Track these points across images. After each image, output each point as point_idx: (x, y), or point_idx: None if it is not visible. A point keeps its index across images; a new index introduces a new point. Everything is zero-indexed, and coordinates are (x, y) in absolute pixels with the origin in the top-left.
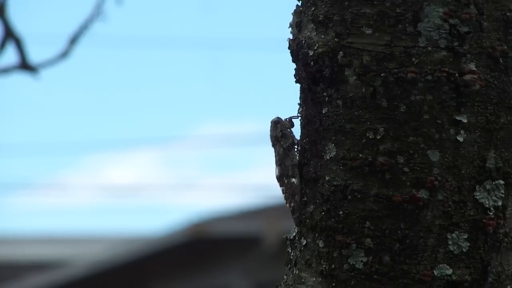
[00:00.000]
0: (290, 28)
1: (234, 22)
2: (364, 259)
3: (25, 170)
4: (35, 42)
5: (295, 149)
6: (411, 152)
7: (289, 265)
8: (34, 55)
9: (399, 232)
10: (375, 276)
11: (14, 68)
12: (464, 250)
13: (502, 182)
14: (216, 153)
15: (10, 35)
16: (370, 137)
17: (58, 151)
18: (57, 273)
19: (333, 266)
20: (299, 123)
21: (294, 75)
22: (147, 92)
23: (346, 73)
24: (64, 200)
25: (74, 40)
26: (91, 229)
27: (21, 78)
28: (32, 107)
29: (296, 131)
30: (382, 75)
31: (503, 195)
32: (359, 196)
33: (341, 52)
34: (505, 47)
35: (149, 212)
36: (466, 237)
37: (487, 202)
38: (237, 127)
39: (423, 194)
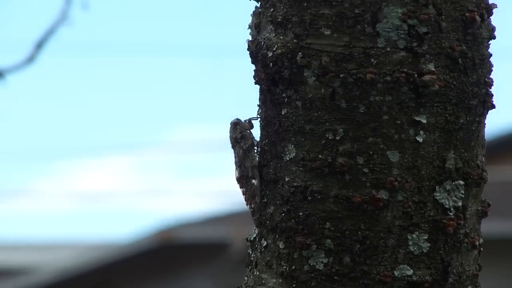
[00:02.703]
0: (249, 30)
1: (203, 27)
2: (325, 260)
3: None
4: (1, 49)
5: (255, 151)
6: (371, 153)
7: (250, 267)
8: (0, 61)
9: (359, 233)
10: (335, 277)
11: None
12: (425, 250)
13: (462, 182)
14: (190, 158)
15: None
16: (330, 138)
17: (27, 158)
18: (24, 279)
19: (293, 267)
20: (259, 124)
21: (253, 76)
22: (119, 98)
23: (305, 74)
24: (32, 207)
25: (40, 45)
26: (59, 235)
27: None
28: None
29: (256, 132)
30: (341, 76)
31: (463, 196)
32: (319, 197)
33: (300, 53)
34: (464, 47)
35: (119, 218)
36: (426, 237)
37: (447, 203)
38: (211, 132)
39: (383, 195)
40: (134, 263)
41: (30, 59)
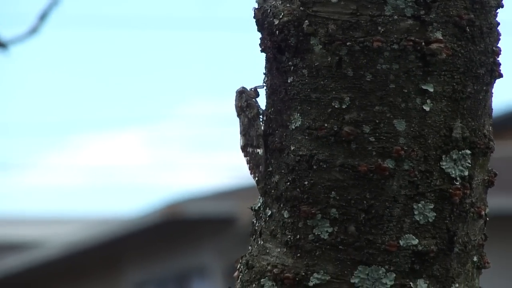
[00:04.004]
0: None
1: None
2: (330, 229)
3: (0, 151)
4: (5, 21)
5: (260, 119)
6: (377, 121)
7: (254, 236)
8: (5, 33)
9: (365, 202)
10: (340, 247)
11: None
12: (430, 220)
13: (468, 151)
14: (200, 132)
15: None
16: (336, 106)
17: (36, 131)
18: (32, 253)
19: (298, 236)
20: (265, 92)
21: (259, 44)
22: (130, 73)
23: (311, 42)
24: (42, 181)
25: (43, 16)
26: (69, 209)
27: None
28: (9, 87)
29: (262, 101)
30: (347, 44)
31: (470, 165)
32: (325, 166)
33: (306, 21)
34: (472, 15)
35: (128, 192)
36: (432, 207)
37: (453, 172)
38: (222, 106)
39: (389, 164)
40: (140, 237)
41: (33, 30)
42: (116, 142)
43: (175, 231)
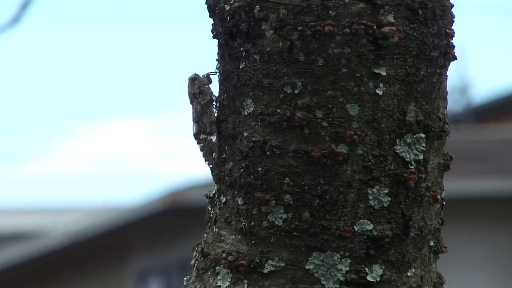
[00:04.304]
0: None
1: None
2: (284, 216)
3: (4, 140)
4: None
5: (213, 106)
6: (330, 106)
7: (209, 223)
8: None
9: (319, 187)
10: (295, 233)
11: None
12: (385, 205)
13: (423, 135)
14: None
15: None
16: (288, 92)
17: (40, 121)
18: (36, 243)
19: (252, 223)
20: (218, 79)
21: (211, 30)
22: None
23: (262, 28)
24: (43, 170)
25: (25, 5)
26: (70, 198)
27: None
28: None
29: (215, 87)
30: (299, 28)
31: (425, 149)
32: (278, 152)
33: (257, 6)
34: None
35: (131, 180)
36: (387, 191)
37: (408, 156)
38: None
39: (342, 148)
40: (144, 225)
41: (15, 19)
42: (119, 130)
43: (178, 219)
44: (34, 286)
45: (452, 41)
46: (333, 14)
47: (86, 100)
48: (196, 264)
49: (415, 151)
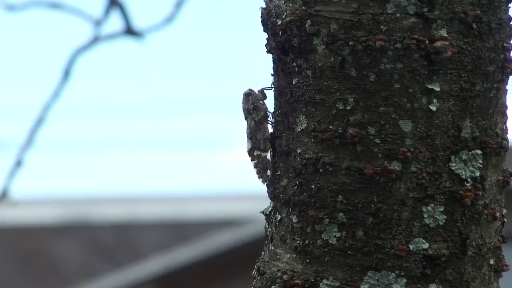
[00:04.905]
0: None
1: None
2: (338, 234)
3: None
4: (142, 10)
5: (268, 122)
6: (382, 122)
7: (266, 241)
8: (140, 20)
9: (372, 205)
10: (349, 252)
11: (120, 34)
12: (441, 223)
13: (479, 152)
14: None
15: (114, 2)
16: (340, 108)
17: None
18: (244, 229)
19: (306, 242)
20: (273, 94)
21: (265, 45)
22: None
23: (314, 42)
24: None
25: (179, 4)
26: None
27: (127, 44)
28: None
29: (271, 103)
30: (350, 43)
31: (481, 165)
32: (331, 169)
33: (308, 20)
34: (478, 11)
35: None
36: (442, 209)
37: (463, 173)
38: None
39: (395, 166)
40: None
41: (170, 18)
42: None
43: None
44: (242, 271)
45: (510, 55)
46: (384, 28)
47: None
48: (254, 283)
49: (471, 168)
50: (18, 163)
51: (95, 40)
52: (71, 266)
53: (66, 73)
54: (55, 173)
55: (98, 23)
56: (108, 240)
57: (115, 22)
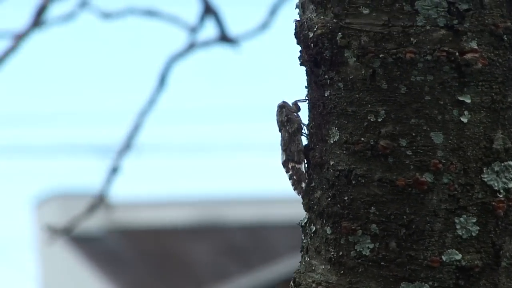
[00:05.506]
0: (297, 9)
1: None
2: (371, 246)
3: None
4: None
5: (302, 134)
6: (414, 134)
7: (302, 252)
8: (235, 27)
9: (405, 217)
10: (382, 263)
11: (215, 41)
12: (474, 234)
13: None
14: None
15: (209, 9)
16: (372, 120)
17: None
18: None
19: (340, 253)
20: (307, 107)
21: (299, 57)
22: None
23: (345, 55)
24: None
25: (274, 10)
26: None
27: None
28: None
29: (305, 115)
30: (380, 56)
31: None
32: (363, 181)
33: (339, 33)
34: (509, 23)
35: None
36: (475, 220)
37: (496, 184)
38: None
39: (427, 177)
40: None
41: (264, 25)
42: None
43: None
44: None
45: None
46: (414, 41)
47: None
48: None
49: (503, 180)
50: (115, 169)
51: (191, 47)
52: (204, 267)
53: (162, 80)
54: (187, 175)
55: (193, 30)
56: (241, 241)
57: (210, 29)
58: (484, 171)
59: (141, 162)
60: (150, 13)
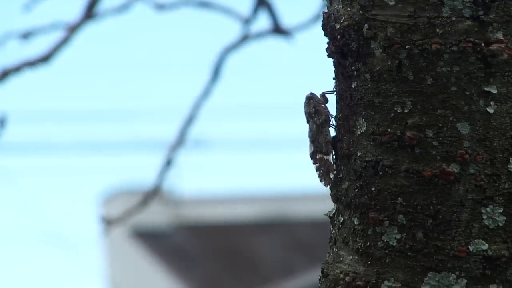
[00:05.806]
0: (325, 1)
1: None
2: (398, 236)
3: None
4: (289, 6)
5: (330, 125)
6: (440, 125)
7: (330, 243)
8: (288, 19)
9: (431, 207)
10: (409, 253)
11: (268, 32)
12: (500, 224)
13: None
14: None
15: (262, 1)
16: (398, 111)
17: None
18: None
19: (368, 244)
20: (335, 98)
21: (326, 49)
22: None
23: (372, 46)
24: None
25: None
26: None
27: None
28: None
29: (333, 106)
30: (406, 47)
31: None
32: (390, 172)
33: (366, 24)
34: None
35: None
36: (501, 211)
37: None
38: None
39: (454, 168)
40: None
41: (317, 17)
42: None
43: None
44: None
45: None
46: (440, 32)
47: None
48: (319, 285)
49: None
50: (168, 162)
51: (244, 38)
52: (271, 263)
53: (216, 72)
54: (255, 171)
55: (247, 21)
56: (307, 236)
57: (263, 21)
58: (511, 161)
59: (209, 157)
60: (204, 5)
